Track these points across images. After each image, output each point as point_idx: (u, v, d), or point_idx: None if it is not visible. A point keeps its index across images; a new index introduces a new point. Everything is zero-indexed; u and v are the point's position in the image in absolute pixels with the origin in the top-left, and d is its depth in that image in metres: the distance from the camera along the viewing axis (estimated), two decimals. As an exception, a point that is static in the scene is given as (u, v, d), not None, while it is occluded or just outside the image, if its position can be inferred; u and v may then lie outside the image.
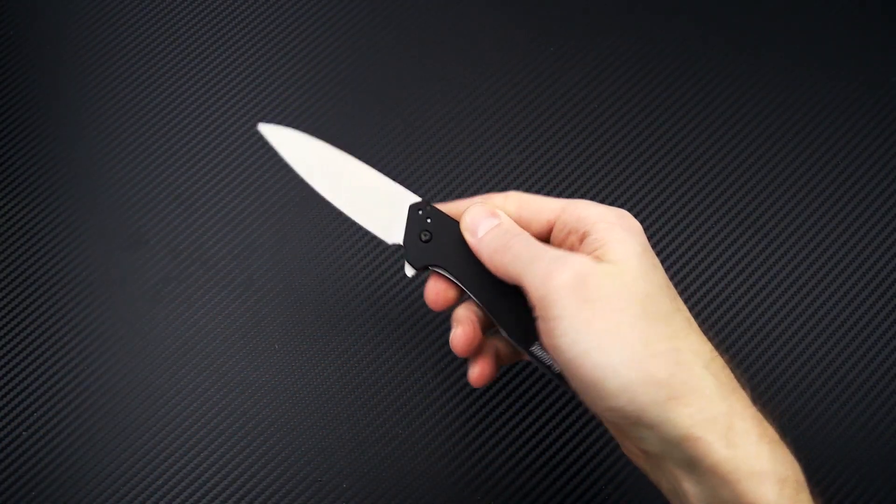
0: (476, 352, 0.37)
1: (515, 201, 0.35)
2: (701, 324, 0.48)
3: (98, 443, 0.46)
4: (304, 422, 0.47)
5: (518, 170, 0.52)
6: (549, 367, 0.34)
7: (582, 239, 0.32)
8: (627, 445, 0.33)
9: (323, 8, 0.56)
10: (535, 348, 0.34)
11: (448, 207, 0.37)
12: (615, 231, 0.31)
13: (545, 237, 0.35)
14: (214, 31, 0.56)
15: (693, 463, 0.28)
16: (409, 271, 0.36)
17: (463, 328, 0.36)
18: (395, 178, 0.38)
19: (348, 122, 0.53)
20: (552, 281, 0.29)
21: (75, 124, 0.53)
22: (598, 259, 0.31)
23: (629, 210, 0.51)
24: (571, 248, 0.33)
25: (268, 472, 0.46)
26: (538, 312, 0.30)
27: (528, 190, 0.51)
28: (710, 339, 0.31)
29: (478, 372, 0.37)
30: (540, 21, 0.56)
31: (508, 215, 0.35)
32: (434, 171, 0.52)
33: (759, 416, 0.29)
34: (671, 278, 0.49)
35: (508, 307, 0.34)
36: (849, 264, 0.50)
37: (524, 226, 0.35)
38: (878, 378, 0.47)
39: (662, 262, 0.50)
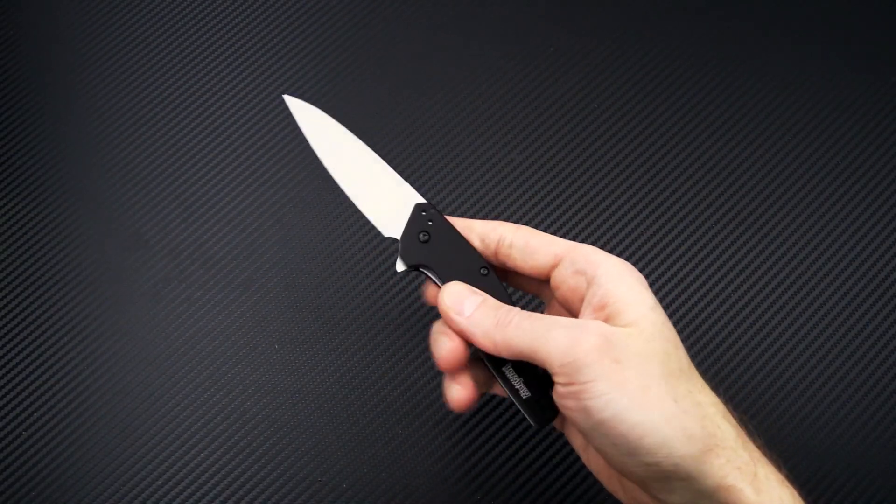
0: (458, 370, 0.35)
1: (525, 233, 0.35)
2: (700, 324, 0.49)
3: (98, 443, 0.46)
4: (304, 422, 0.47)
5: (518, 170, 0.52)
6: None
7: (589, 283, 0.32)
8: (637, 496, 0.33)
9: (321, 10, 0.56)
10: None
11: (453, 222, 0.37)
12: (623, 286, 0.32)
13: (547, 271, 0.35)
14: (215, 30, 0.56)
15: None
16: (400, 266, 0.36)
17: (451, 340, 0.34)
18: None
19: (349, 123, 0.53)
20: (580, 346, 0.30)
21: (75, 124, 0.53)
22: (611, 320, 0.31)
23: (629, 209, 0.51)
24: (575, 290, 0.33)
25: (268, 472, 0.46)
26: (563, 380, 0.30)
27: (528, 190, 0.51)
28: (714, 388, 0.32)
29: (457, 391, 0.35)
30: (540, 21, 0.56)
31: (516, 244, 0.35)
32: (434, 171, 0.52)
33: (769, 461, 0.31)
34: (671, 279, 0.50)
35: None
36: (849, 264, 0.50)
37: (530, 255, 0.35)
38: (878, 378, 0.48)
39: (662, 262, 0.50)
